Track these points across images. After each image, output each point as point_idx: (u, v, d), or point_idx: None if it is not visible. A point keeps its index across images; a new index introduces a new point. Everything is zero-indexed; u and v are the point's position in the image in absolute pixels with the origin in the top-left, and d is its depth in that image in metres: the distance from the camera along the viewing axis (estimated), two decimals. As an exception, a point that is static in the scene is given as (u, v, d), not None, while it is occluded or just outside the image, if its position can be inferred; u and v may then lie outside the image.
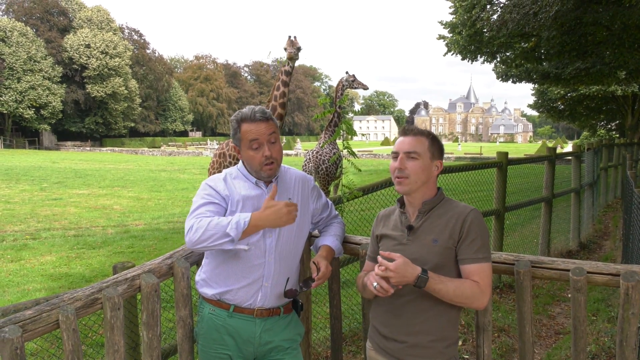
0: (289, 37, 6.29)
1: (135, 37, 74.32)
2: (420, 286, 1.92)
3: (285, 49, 6.29)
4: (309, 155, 8.00)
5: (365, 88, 8.55)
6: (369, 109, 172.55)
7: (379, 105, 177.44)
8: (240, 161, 2.40)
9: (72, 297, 2.06)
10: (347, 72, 8.25)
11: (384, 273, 1.91)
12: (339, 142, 3.69)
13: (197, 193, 2.30)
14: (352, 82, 8.17)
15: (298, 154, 43.49)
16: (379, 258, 1.95)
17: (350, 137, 3.61)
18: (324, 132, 8.14)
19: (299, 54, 6.29)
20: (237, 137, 2.29)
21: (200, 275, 2.40)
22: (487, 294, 1.99)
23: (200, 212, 2.18)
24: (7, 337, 1.79)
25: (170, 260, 2.43)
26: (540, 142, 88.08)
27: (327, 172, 7.80)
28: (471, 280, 1.98)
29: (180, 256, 2.47)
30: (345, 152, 3.54)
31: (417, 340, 2.04)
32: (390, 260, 1.91)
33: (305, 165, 7.96)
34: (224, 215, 2.22)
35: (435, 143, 2.10)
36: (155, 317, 2.28)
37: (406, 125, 2.14)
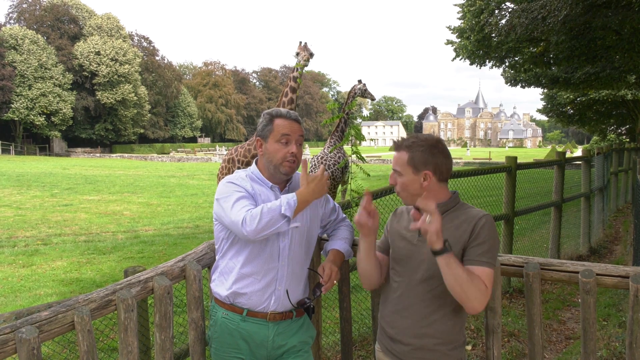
0: (300, 42, 6.33)
1: (145, 44, 74.78)
2: (446, 249, 1.87)
3: (298, 54, 6.32)
4: (314, 161, 8.04)
5: (373, 99, 8.60)
6: (377, 115, 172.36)
7: (387, 111, 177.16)
8: (254, 165, 2.43)
9: (86, 298, 2.09)
10: (359, 81, 8.28)
11: (430, 219, 1.84)
12: (346, 147, 3.71)
13: (223, 190, 2.28)
14: (363, 91, 8.22)
15: (306, 159, 43.42)
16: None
17: (359, 142, 3.63)
18: (330, 137, 8.18)
19: (310, 60, 6.33)
20: (267, 129, 2.33)
21: (214, 280, 2.43)
22: (487, 297, 1.97)
23: (243, 203, 2.19)
24: (24, 337, 1.83)
25: (183, 262, 2.46)
26: (549, 147, 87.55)
27: (332, 177, 7.85)
28: (481, 279, 1.96)
29: (193, 259, 2.50)
30: (354, 157, 3.55)
31: (423, 343, 2.05)
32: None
33: (311, 171, 7.99)
34: None
35: (416, 154, 2.05)
36: (167, 319, 2.30)
37: (395, 141, 2.15)
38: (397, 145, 2.12)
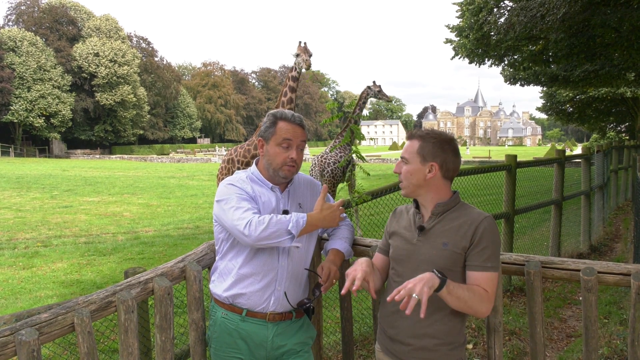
0: (299, 42, 6.32)
1: (144, 45, 74.69)
2: (444, 279, 1.84)
3: (297, 55, 6.31)
4: (315, 160, 8.08)
5: (389, 100, 8.63)
6: (377, 114, 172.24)
7: (386, 110, 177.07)
8: (254, 166, 2.42)
9: (86, 300, 2.09)
10: (374, 82, 8.29)
11: (409, 292, 1.79)
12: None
13: (223, 192, 2.28)
14: (377, 92, 8.23)
15: (306, 159, 43.60)
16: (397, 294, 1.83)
17: (358, 141, 3.63)
18: (336, 138, 8.20)
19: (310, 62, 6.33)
20: (269, 132, 2.32)
21: (213, 281, 2.42)
22: (492, 302, 1.99)
23: (245, 206, 2.19)
24: (24, 339, 1.82)
25: (183, 263, 2.46)
26: (549, 145, 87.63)
27: (332, 175, 7.87)
28: (480, 288, 1.96)
29: (193, 260, 2.50)
30: (354, 156, 3.55)
31: (423, 343, 2.05)
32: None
33: (312, 169, 8.02)
34: None
35: (427, 145, 2.04)
36: (168, 320, 2.30)
37: (412, 130, 2.16)
38: (411, 135, 2.13)
